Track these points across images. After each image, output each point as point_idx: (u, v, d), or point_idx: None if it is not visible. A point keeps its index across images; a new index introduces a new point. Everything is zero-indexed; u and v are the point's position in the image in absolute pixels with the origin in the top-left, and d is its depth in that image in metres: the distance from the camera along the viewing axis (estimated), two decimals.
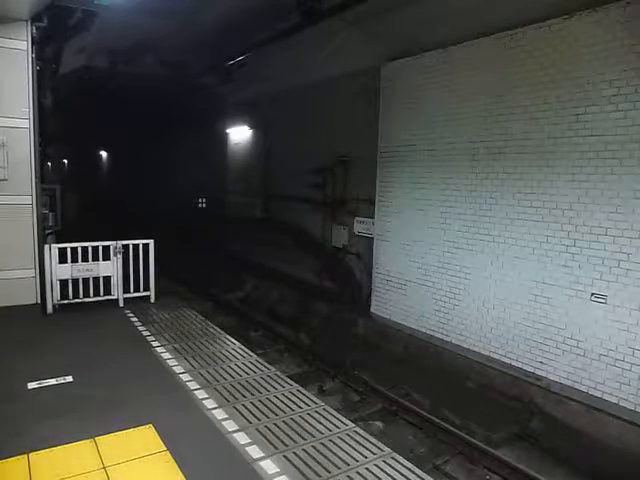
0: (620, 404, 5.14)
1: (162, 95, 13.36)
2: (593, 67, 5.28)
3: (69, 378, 4.53)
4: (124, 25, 8.32)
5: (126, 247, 6.99)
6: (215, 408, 4.05)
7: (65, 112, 12.54)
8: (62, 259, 6.54)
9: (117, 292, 6.96)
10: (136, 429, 3.67)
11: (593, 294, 5.39)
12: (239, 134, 12.95)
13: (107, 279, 6.90)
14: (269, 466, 3.28)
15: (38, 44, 6.53)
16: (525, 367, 6.07)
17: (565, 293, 5.65)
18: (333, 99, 9.37)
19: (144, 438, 3.56)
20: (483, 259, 6.57)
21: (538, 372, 5.93)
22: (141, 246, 7.09)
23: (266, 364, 5.09)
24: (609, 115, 5.17)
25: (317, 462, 3.35)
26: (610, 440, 5.13)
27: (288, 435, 3.68)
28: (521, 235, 6.09)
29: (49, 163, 11.48)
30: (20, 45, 6.16)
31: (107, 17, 7.40)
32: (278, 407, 4.11)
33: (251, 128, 12.40)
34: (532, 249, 5.98)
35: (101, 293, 6.87)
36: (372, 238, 8.50)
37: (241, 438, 3.61)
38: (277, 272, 11.39)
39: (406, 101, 7.64)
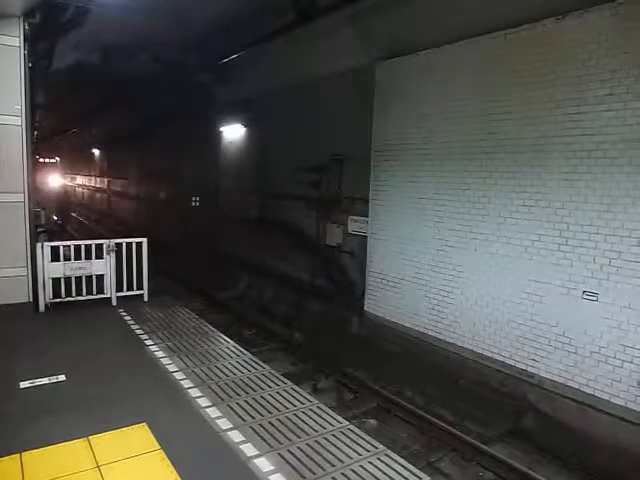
0: (611, 400, 5.18)
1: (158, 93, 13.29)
2: (586, 67, 5.31)
3: (62, 377, 4.51)
4: (118, 22, 8.25)
5: (119, 246, 6.97)
6: (209, 406, 4.05)
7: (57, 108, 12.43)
8: (55, 257, 6.51)
9: (110, 291, 6.93)
10: (130, 428, 3.67)
11: (585, 292, 5.43)
12: (233, 132, 12.89)
13: (100, 278, 6.88)
14: (263, 464, 3.29)
15: (30, 40, 6.47)
16: (518, 364, 6.10)
17: (557, 291, 5.69)
18: (328, 98, 9.35)
19: (138, 437, 3.56)
20: (476, 257, 6.60)
21: (530, 369, 5.97)
22: (134, 245, 7.06)
23: (260, 362, 5.09)
24: (601, 114, 5.20)
25: (311, 460, 3.36)
26: (601, 436, 5.18)
27: (282, 433, 3.68)
28: (514, 234, 6.12)
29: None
30: (12, 42, 6.10)
31: (100, 13, 7.35)
32: (272, 405, 4.12)
33: (245, 126, 12.36)
34: (524, 247, 6.01)
35: (94, 292, 6.84)
36: (366, 237, 8.51)
37: (235, 436, 3.61)
38: (271, 270, 11.37)
39: (400, 100, 7.65)
